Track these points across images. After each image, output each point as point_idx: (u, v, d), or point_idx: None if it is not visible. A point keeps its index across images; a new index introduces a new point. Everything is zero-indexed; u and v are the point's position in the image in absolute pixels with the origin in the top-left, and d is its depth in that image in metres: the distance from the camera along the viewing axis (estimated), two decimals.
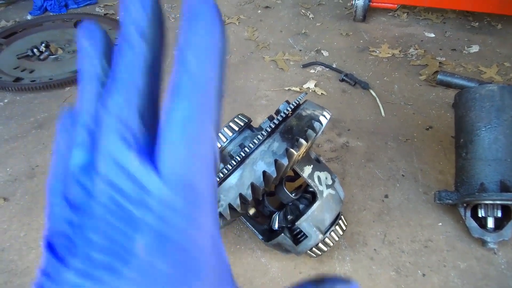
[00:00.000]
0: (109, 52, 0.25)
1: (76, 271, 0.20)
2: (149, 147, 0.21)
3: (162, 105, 0.22)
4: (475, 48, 1.68)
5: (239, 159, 0.75)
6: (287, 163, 0.74)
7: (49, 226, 0.23)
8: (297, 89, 1.51)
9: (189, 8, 0.22)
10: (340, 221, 0.90)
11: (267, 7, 2.07)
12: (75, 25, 1.88)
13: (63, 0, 2.08)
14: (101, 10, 2.06)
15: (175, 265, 0.21)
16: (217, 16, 0.22)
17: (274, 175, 0.73)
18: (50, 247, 0.22)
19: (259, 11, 2.04)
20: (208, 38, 0.21)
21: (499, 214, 0.93)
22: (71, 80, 1.54)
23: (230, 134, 0.87)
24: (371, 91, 1.47)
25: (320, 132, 0.83)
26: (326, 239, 0.87)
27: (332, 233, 0.88)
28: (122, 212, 0.20)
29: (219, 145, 0.87)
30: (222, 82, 0.23)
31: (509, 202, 0.89)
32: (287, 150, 0.74)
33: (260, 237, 0.94)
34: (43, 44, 1.71)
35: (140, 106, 0.21)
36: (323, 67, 1.62)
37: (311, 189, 0.88)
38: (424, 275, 0.93)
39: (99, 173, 0.21)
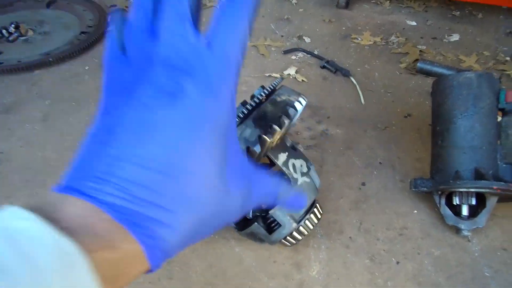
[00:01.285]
0: None
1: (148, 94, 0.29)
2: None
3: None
4: (455, 37, 1.68)
5: None
6: (260, 150, 0.72)
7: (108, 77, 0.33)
8: (278, 75, 1.49)
9: None
10: (315, 210, 0.90)
11: None
12: (48, 5, 1.81)
13: None
14: None
15: (215, 103, 0.29)
16: None
17: None
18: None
19: None
20: None
21: (474, 202, 0.93)
22: (41, 63, 1.49)
23: None
24: (352, 78, 1.46)
25: (295, 119, 0.81)
26: (301, 228, 0.86)
27: (307, 222, 0.87)
28: (176, 65, 0.28)
29: None
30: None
31: (483, 190, 0.89)
32: (259, 137, 0.72)
33: (234, 225, 0.93)
34: (13, 25, 1.65)
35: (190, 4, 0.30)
36: (304, 53, 1.60)
37: (285, 177, 0.87)
38: (398, 262, 0.93)
39: (161, 39, 0.29)
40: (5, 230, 0.22)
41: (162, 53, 0.29)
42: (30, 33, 1.67)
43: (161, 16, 0.30)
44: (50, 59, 1.50)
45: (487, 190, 0.88)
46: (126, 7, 1.86)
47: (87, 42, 1.59)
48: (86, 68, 1.53)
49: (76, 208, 0.26)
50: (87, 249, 0.24)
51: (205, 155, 0.28)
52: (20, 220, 0.23)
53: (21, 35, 1.64)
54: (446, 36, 1.69)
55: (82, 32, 1.66)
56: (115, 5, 1.86)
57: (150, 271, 0.30)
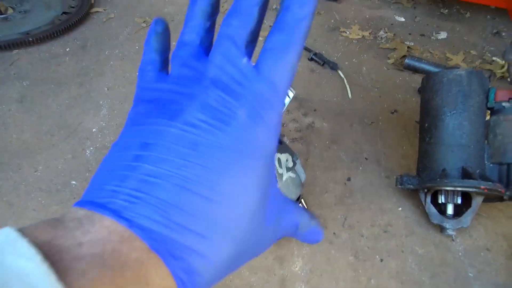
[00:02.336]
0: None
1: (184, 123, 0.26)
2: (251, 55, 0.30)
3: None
4: (443, 35, 1.67)
5: None
6: None
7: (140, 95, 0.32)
8: None
9: None
10: (300, 205, 0.87)
11: None
12: None
13: None
14: None
15: (263, 130, 0.27)
16: None
17: None
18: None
19: None
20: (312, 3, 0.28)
21: (459, 201, 0.93)
22: (20, 42, 1.42)
23: None
24: (340, 72, 1.44)
25: (282, 110, 0.79)
26: None
27: None
28: (226, 88, 0.27)
29: None
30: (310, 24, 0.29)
31: (469, 189, 0.88)
32: None
33: None
34: None
35: (251, 28, 0.29)
36: None
37: None
38: (382, 260, 0.92)
39: (212, 61, 0.28)
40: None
41: (213, 75, 0.28)
42: (10, 11, 1.59)
43: (216, 37, 0.29)
44: (30, 39, 1.43)
45: (474, 190, 0.87)
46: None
47: (68, 23, 1.52)
48: (67, 49, 1.47)
49: (103, 229, 0.22)
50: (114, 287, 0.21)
51: (251, 183, 0.27)
52: (20, 259, 0.19)
53: (1, 13, 1.56)
54: (434, 33, 1.68)
55: (64, 13, 1.59)
56: None
57: None
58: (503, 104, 0.94)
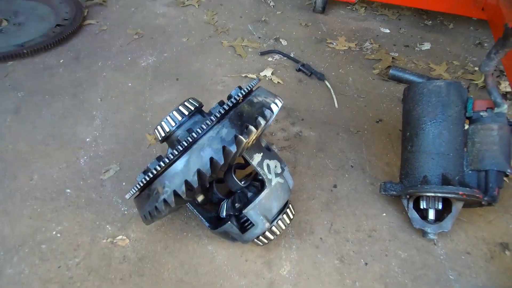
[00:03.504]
0: None
1: None
2: None
3: None
4: (427, 46, 1.73)
5: (185, 145, 0.73)
6: (235, 150, 0.72)
7: None
8: (254, 76, 1.50)
9: None
10: (288, 210, 0.91)
11: None
12: None
13: None
14: None
15: None
16: None
17: (222, 162, 0.72)
18: None
19: None
20: None
21: (440, 207, 0.97)
22: (15, 54, 1.45)
23: (180, 118, 0.84)
24: (326, 82, 1.48)
25: (271, 120, 0.82)
26: (273, 228, 0.87)
27: (279, 222, 0.88)
28: None
29: (168, 129, 0.84)
30: None
31: (449, 195, 0.93)
32: (236, 137, 0.73)
33: (207, 224, 0.93)
34: None
35: None
36: (281, 55, 1.62)
37: (260, 177, 0.87)
38: (366, 264, 0.95)
39: None
40: None
41: None
42: (4, 23, 1.62)
43: None
44: (25, 51, 1.46)
45: (453, 195, 0.92)
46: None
47: (62, 35, 1.55)
48: (61, 61, 1.50)
49: None
50: None
51: None
52: None
53: None
54: (418, 44, 1.74)
55: (58, 25, 1.62)
56: None
57: None
58: (481, 113, 0.98)
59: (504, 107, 0.96)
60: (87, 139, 1.21)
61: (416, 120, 1.00)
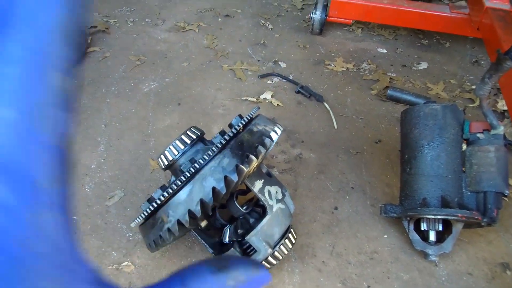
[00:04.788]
0: None
1: None
2: None
3: None
4: (423, 65, 1.76)
5: (188, 175, 0.75)
6: (237, 179, 0.75)
7: None
8: (254, 99, 1.52)
9: None
10: (290, 235, 0.92)
11: (227, 15, 2.08)
12: None
13: None
14: None
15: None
16: None
17: (224, 191, 0.74)
18: None
19: (219, 19, 2.04)
20: None
21: (440, 228, 0.98)
22: None
23: (182, 147, 0.87)
24: (325, 103, 1.51)
25: (270, 148, 0.84)
26: (276, 253, 0.89)
27: (282, 247, 0.89)
28: None
29: (171, 158, 0.86)
30: None
31: (449, 217, 0.94)
32: (237, 166, 0.75)
33: (211, 250, 0.94)
34: None
35: None
36: (280, 78, 1.65)
37: (261, 203, 0.89)
38: (369, 286, 0.96)
39: None
40: None
41: None
42: None
43: None
44: None
45: (453, 218, 0.93)
46: (106, 28, 1.87)
47: None
48: None
49: None
50: None
51: None
52: None
53: None
54: (415, 64, 1.77)
55: None
56: (95, 26, 1.87)
57: None
58: (478, 135, 1.00)
59: (500, 129, 0.98)
60: (92, 166, 1.24)
61: (414, 143, 1.02)
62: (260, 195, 0.87)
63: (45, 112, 0.22)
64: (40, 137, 0.22)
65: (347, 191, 1.19)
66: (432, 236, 0.99)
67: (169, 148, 0.87)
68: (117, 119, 1.41)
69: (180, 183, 0.75)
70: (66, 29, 0.24)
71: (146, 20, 1.98)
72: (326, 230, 1.08)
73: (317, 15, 1.84)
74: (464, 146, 1.03)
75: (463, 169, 1.00)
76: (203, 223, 0.94)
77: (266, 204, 0.87)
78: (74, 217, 0.91)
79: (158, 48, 1.79)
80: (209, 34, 1.91)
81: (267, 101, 1.52)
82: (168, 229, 0.76)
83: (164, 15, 2.03)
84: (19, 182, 0.21)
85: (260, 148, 0.78)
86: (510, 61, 0.85)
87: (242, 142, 0.79)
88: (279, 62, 1.74)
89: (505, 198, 1.17)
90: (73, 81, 0.24)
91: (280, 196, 0.90)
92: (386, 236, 1.07)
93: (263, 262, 0.89)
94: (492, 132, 0.98)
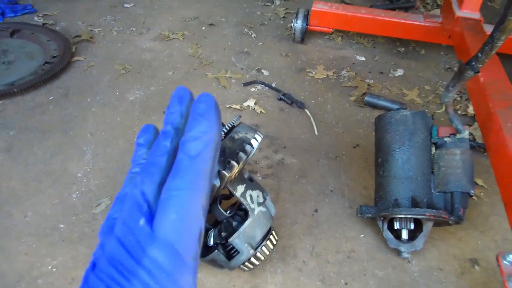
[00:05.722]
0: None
1: None
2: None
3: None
4: (400, 72, 1.84)
5: None
6: (219, 184, 0.79)
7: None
8: (238, 106, 1.58)
9: (196, 108, 0.32)
10: (271, 236, 0.97)
11: (211, 24, 2.13)
12: (12, 34, 1.83)
13: None
14: (40, 19, 2.02)
15: None
16: (216, 118, 0.32)
17: None
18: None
19: (204, 28, 2.10)
20: (207, 135, 0.30)
21: (412, 227, 1.04)
22: (5, 93, 1.51)
23: None
24: (306, 110, 1.57)
25: (251, 154, 0.90)
26: (258, 254, 0.94)
27: (263, 248, 0.95)
28: (123, 264, 0.28)
29: None
30: (214, 168, 0.30)
31: (418, 216, 1.00)
32: (219, 172, 0.80)
33: None
34: None
35: (160, 179, 0.30)
36: (263, 86, 1.70)
37: (244, 207, 0.94)
38: (346, 283, 1.02)
39: (115, 232, 0.29)
40: None
41: (111, 251, 0.30)
42: None
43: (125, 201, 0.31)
44: (15, 89, 1.52)
45: (422, 217, 0.99)
46: (91, 37, 1.91)
47: (51, 72, 1.62)
48: (51, 98, 1.56)
49: None
50: None
51: None
52: None
53: None
54: (391, 71, 1.84)
55: (46, 62, 1.69)
56: (79, 36, 1.90)
57: None
58: (445, 139, 1.07)
59: (465, 133, 1.05)
60: (79, 175, 1.27)
61: (386, 147, 1.09)
62: (242, 199, 0.92)
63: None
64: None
65: (326, 194, 1.25)
66: (404, 235, 1.05)
67: None
68: (103, 128, 1.45)
69: None
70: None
71: (131, 29, 2.03)
72: (307, 232, 1.14)
73: (298, 24, 1.91)
74: (434, 150, 1.10)
75: (432, 171, 1.06)
76: None
77: (248, 207, 0.92)
78: (61, 226, 0.95)
79: (143, 57, 1.84)
80: (193, 42, 1.96)
81: (250, 108, 1.57)
82: None
83: (149, 24, 2.08)
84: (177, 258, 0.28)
85: (241, 154, 0.84)
86: (471, 70, 0.92)
87: (224, 149, 0.84)
88: (262, 70, 1.80)
89: (474, 198, 1.24)
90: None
91: (261, 200, 0.95)
92: (362, 236, 1.13)
93: (246, 263, 0.94)
94: (458, 136, 1.05)
